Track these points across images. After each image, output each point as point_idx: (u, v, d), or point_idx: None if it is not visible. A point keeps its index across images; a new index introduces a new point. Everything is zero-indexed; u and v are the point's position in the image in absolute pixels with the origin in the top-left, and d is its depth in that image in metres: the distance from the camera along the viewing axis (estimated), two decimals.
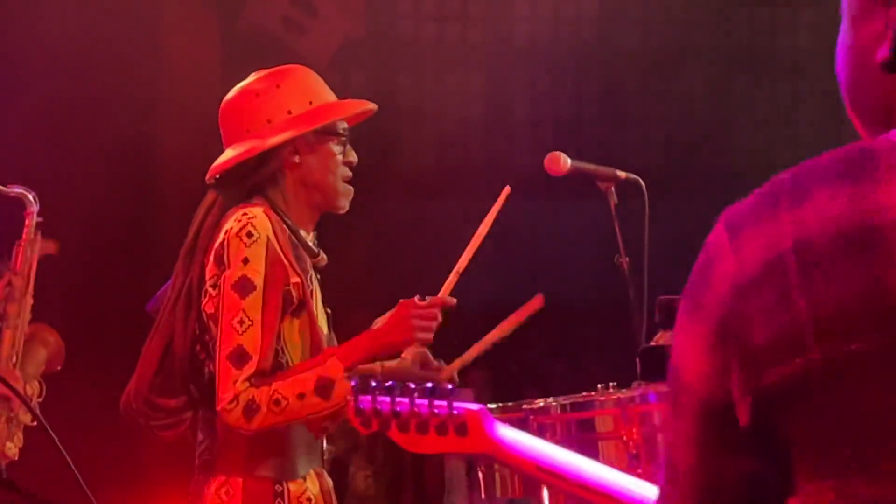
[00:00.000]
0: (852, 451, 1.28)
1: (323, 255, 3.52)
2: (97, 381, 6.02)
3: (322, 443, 3.50)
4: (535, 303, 3.67)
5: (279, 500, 3.31)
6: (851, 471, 1.28)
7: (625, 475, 2.18)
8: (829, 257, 1.28)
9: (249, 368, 3.20)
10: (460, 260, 3.54)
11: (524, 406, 3.32)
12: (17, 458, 5.43)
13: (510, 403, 3.45)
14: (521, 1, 8.39)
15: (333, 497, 3.49)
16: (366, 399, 2.27)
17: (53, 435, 2.28)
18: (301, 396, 3.20)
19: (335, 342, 3.53)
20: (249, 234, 3.26)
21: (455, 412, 2.24)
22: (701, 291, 1.36)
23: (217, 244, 3.31)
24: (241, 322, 3.23)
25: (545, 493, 3.08)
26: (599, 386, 3.36)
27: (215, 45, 8.03)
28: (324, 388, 3.22)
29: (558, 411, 3.25)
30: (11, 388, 2.55)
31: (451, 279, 3.49)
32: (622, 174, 4.05)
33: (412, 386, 2.27)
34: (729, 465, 1.35)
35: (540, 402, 3.32)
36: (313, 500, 3.38)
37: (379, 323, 3.46)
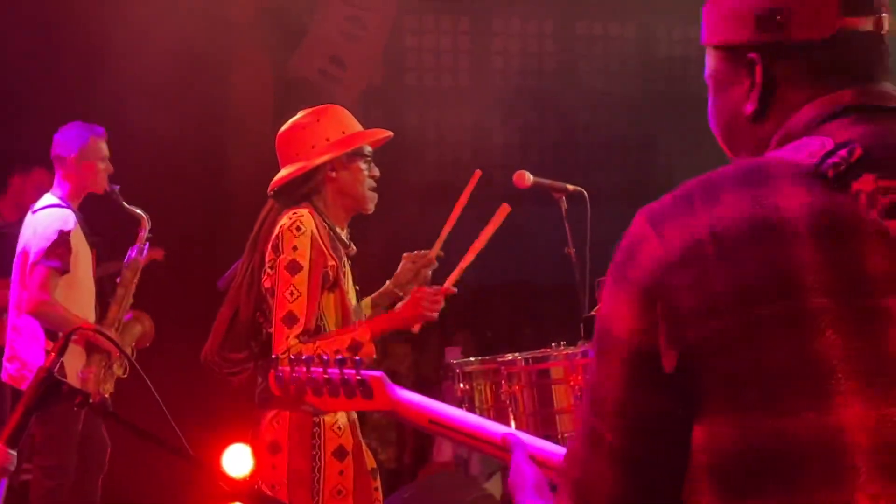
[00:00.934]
0: (758, 392, 1.25)
1: (353, 247, 3.55)
2: (182, 353, 6.05)
3: None
4: (503, 211, 3.74)
5: (316, 428, 3.35)
6: (753, 406, 1.25)
7: (487, 420, 2.10)
8: (739, 244, 1.27)
9: (298, 328, 3.26)
10: (464, 259, 3.64)
11: (497, 359, 3.32)
12: (109, 397, 5.44)
13: (487, 357, 3.45)
14: (496, 57, 8.40)
15: (357, 426, 3.49)
16: (284, 370, 2.14)
17: (145, 376, 2.26)
18: (337, 352, 3.22)
19: (361, 313, 3.57)
20: (298, 228, 3.32)
21: (362, 377, 2.11)
22: (626, 265, 1.33)
23: (274, 236, 3.35)
24: (292, 294, 3.28)
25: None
26: (553, 344, 3.36)
27: (269, 89, 8.01)
28: (354, 347, 3.29)
29: (523, 364, 3.24)
30: (113, 340, 2.52)
31: (455, 273, 3.57)
32: (571, 187, 4.05)
33: (325, 357, 2.14)
34: (652, 401, 1.31)
35: (509, 357, 3.32)
36: (342, 428, 3.40)
37: (399, 306, 3.51)
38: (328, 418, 3.36)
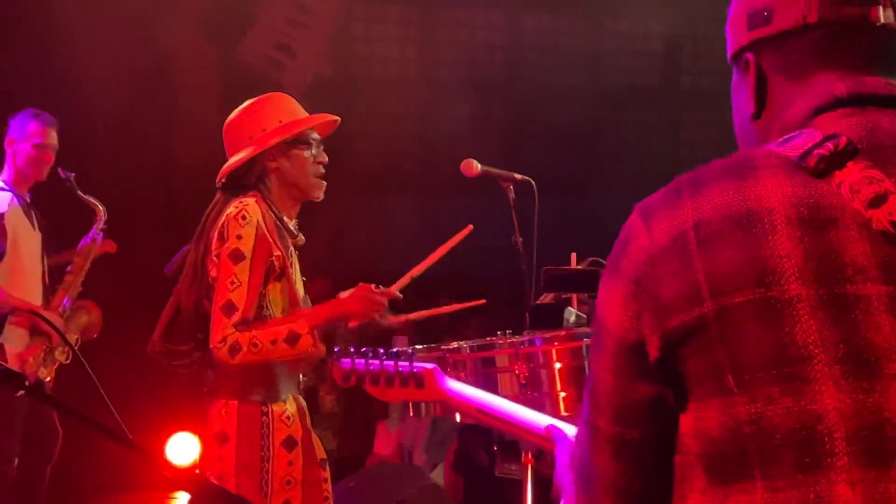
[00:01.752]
0: (734, 378, 1.27)
1: (301, 237, 3.52)
2: (129, 343, 5.98)
3: (299, 375, 3.49)
4: (465, 231, 3.72)
5: (265, 418, 3.32)
6: (733, 393, 1.28)
7: (529, 410, 2.20)
8: (720, 234, 1.30)
9: (236, 317, 3.22)
10: (416, 268, 3.57)
11: (442, 347, 3.31)
12: (48, 383, 5.38)
13: (433, 345, 3.44)
14: (444, 48, 8.39)
15: (307, 415, 3.47)
16: (346, 362, 2.30)
17: (84, 361, 2.23)
18: (273, 342, 3.22)
19: (308, 301, 3.52)
20: (244, 217, 3.27)
21: (415, 370, 2.28)
22: (619, 260, 1.37)
23: (220, 224, 3.31)
24: (232, 283, 3.24)
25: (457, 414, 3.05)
26: (499, 333, 3.35)
27: (216, 78, 7.95)
28: (292, 339, 3.25)
29: (468, 352, 3.23)
30: (53, 325, 2.48)
31: (404, 280, 3.53)
32: (518, 176, 4.03)
33: (381, 351, 2.31)
34: (639, 389, 1.35)
35: (454, 345, 3.30)
36: (291, 418, 3.37)
37: (343, 295, 3.45)
38: (276, 408, 3.34)
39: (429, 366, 2.31)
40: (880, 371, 1.24)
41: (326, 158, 3.52)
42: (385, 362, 2.31)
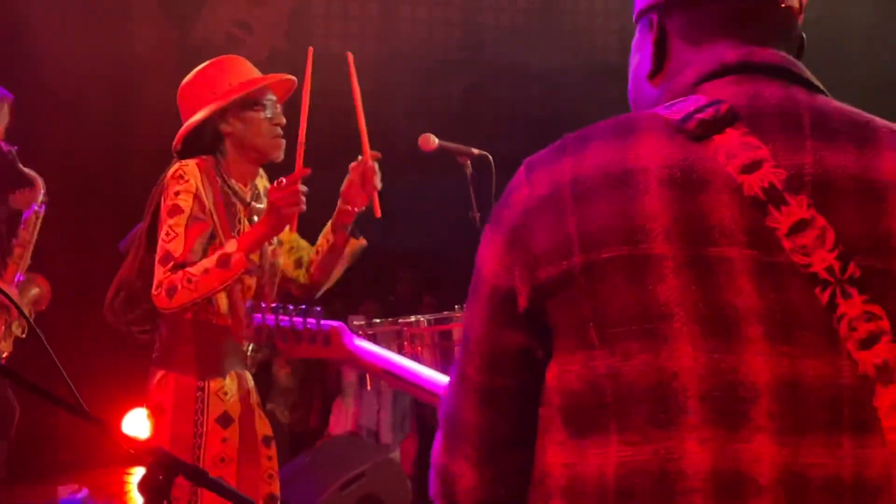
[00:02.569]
0: (596, 331, 1.28)
1: (256, 204, 3.40)
2: (81, 317, 5.94)
3: (246, 350, 3.41)
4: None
5: (200, 392, 3.25)
6: (594, 346, 1.28)
7: (433, 371, 2.21)
8: (595, 190, 1.30)
9: (171, 263, 3.12)
10: (300, 132, 3.35)
11: (400, 321, 3.30)
12: (5, 357, 5.33)
13: (390, 319, 3.42)
14: (403, 25, 8.36)
15: (253, 392, 3.40)
16: (258, 317, 2.26)
17: (41, 334, 2.20)
18: (206, 272, 3.09)
19: (274, 271, 3.45)
20: (181, 177, 3.19)
21: (322, 328, 2.26)
22: (501, 211, 1.38)
23: (161, 187, 3.25)
24: (168, 234, 3.15)
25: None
26: (456, 307, 3.35)
27: (173, 53, 7.88)
28: (223, 261, 3.11)
29: (425, 325, 3.22)
30: (10, 299, 2.44)
31: (299, 151, 3.33)
32: (476, 151, 4.02)
33: (291, 307, 2.27)
34: (507, 338, 1.35)
35: (412, 318, 3.30)
36: (229, 395, 3.30)
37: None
38: (214, 384, 3.27)
39: (335, 324, 2.29)
40: (738, 333, 1.25)
41: (284, 120, 3.40)
42: (294, 318, 2.28)
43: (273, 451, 3.41)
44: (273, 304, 2.27)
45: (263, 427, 3.40)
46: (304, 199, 3.20)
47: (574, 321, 1.30)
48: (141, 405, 6.78)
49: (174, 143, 3.36)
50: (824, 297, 1.27)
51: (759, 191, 1.28)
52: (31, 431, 6.05)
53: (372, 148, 3.57)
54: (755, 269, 1.27)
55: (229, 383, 3.31)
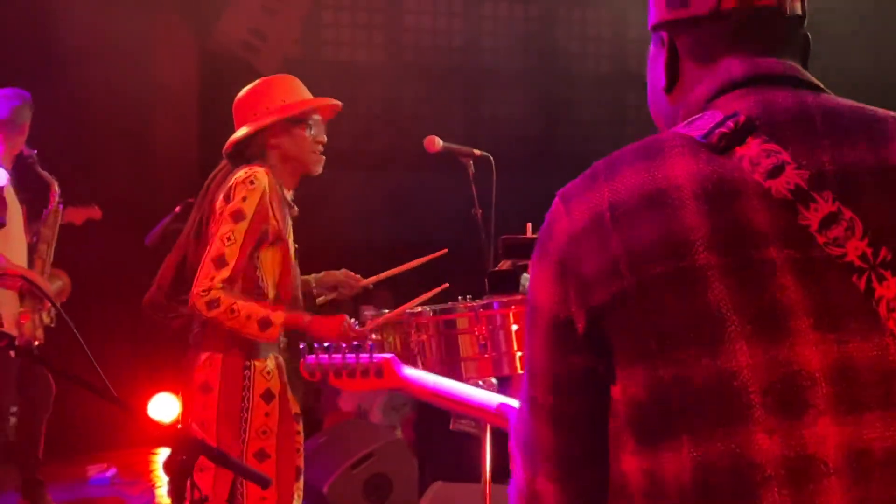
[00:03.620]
0: (656, 344, 1.29)
1: (296, 208, 3.54)
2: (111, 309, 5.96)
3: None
4: (440, 253, 3.75)
5: (247, 371, 3.36)
6: (655, 358, 1.29)
7: (484, 391, 2.24)
8: (633, 212, 1.32)
9: (225, 272, 3.25)
10: (390, 271, 3.69)
11: (407, 311, 3.31)
12: (38, 343, 5.37)
13: (398, 309, 3.43)
14: (407, 34, 8.37)
15: (284, 372, 3.48)
16: (311, 357, 2.37)
17: (71, 322, 2.21)
18: (248, 318, 3.25)
19: (297, 269, 3.55)
20: (251, 182, 3.32)
21: (374, 360, 2.34)
22: (546, 243, 1.38)
23: (228, 186, 3.34)
24: (228, 239, 3.27)
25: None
26: (459, 297, 3.35)
27: (192, 57, 7.88)
28: (264, 324, 3.28)
29: (431, 315, 3.23)
30: (41, 290, 2.45)
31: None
32: (477, 152, 4.06)
33: (343, 346, 2.37)
34: (571, 362, 1.36)
35: (419, 309, 3.31)
36: (270, 373, 3.41)
37: (322, 278, 3.65)
38: (258, 363, 3.38)
39: (387, 356, 2.36)
40: (787, 328, 1.27)
41: (325, 138, 3.57)
42: (347, 356, 2.36)
43: (301, 427, 3.52)
44: (326, 344, 2.36)
45: (294, 405, 3.51)
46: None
47: (633, 337, 1.31)
48: (164, 390, 6.82)
49: (226, 146, 3.49)
50: (861, 284, 1.29)
51: (787, 192, 1.30)
52: (62, 414, 6.07)
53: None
54: (795, 266, 1.29)
55: (270, 363, 3.42)
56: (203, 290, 3.23)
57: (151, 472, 7.13)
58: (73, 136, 6.48)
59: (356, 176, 6.74)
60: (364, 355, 2.35)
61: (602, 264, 1.32)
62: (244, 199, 3.29)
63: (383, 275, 3.72)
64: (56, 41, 7.10)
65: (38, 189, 5.78)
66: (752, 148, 1.32)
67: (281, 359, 3.48)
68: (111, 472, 6.77)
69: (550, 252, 1.37)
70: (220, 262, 3.25)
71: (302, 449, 3.52)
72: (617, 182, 1.34)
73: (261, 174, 3.34)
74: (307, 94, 3.59)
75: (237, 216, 3.28)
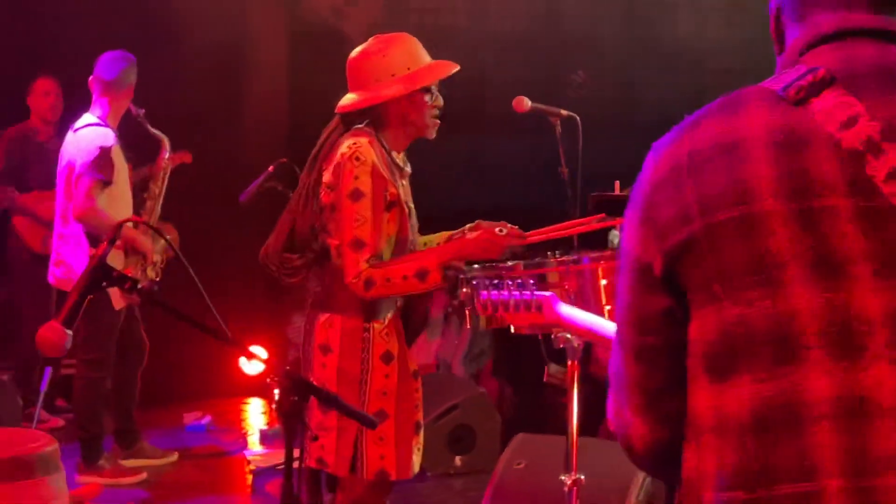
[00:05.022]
0: (721, 286, 1.34)
1: (408, 168, 3.48)
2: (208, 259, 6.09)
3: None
4: (597, 217, 3.63)
5: (366, 333, 3.35)
6: (721, 300, 1.35)
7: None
8: (708, 160, 1.36)
9: (367, 252, 3.24)
10: (548, 230, 3.51)
11: (499, 266, 3.32)
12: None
13: (488, 264, 3.44)
14: (492, 1, 8.35)
15: (402, 332, 3.44)
16: (484, 293, 2.57)
17: (189, 266, 2.27)
18: (405, 278, 3.23)
19: (416, 230, 3.52)
20: (357, 159, 3.26)
21: (535, 297, 2.51)
22: (636, 193, 1.46)
23: (335, 162, 3.30)
24: (356, 220, 3.25)
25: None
26: (549, 253, 3.37)
27: (283, 22, 7.95)
28: (422, 274, 3.25)
29: (523, 269, 3.25)
30: (163, 235, 2.52)
31: (533, 236, 3.45)
32: (564, 112, 4.05)
33: (509, 282, 2.56)
34: (651, 302, 1.43)
35: (510, 263, 3.33)
36: (389, 334, 3.38)
37: (466, 233, 3.45)
38: (377, 325, 3.36)
39: (546, 294, 2.53)
40: (846, 273, 1.30)
41: (442, 102, 3.46)
42: (513, 292, 2.54)
43: (419, 384, 3.47)
44: (495, 281, 2.52)
45: (413, 363, 3.46)
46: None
47: (702, 279, 1.36)
48: (257, 344, 6.93)
49: (346, 106, 3.39)
50: None
51: (858, 144, 1.32)
52: (160, 364, 6.22)
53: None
54: (857, 215, 1.31)
55: (388, 325, 3.38)
56: (354, 277, 3.22)
57: (243, 420, 7.29)
58: (172, 98, 6.58)
59: (458, 139, 6.80)
60: (526, 292, 2.51)
61: (676, 211, 1.37)
62: (356, 177, 3.24)
63: (535, 237, 3.52)
64: (159, 9, 7.23)
65: (146, 147, 5.90)
66: (828, 100, 1.34)
67: (398, 319, 3.43)
68: (206, 420, 6.92)
69: (637, 200, 1.45)
70: (357, 244, 3.24)
71: (420, 405, 3.48)
72: (698, 133, 1.39)
73: (364, 149, 3.27)
74: (427, 58, 3.46)
75: (356, 196, 3.24)
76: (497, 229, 3.37)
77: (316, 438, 3.15)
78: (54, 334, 2.23)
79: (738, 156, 1.34)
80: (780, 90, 1.37)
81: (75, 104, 5.84)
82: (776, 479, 1.30)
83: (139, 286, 2.25)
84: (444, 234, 3.60)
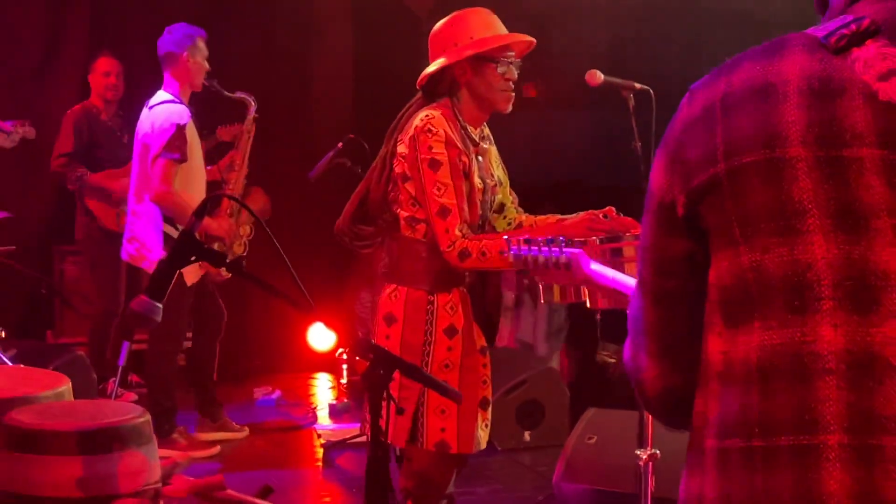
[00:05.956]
0: (739, 230, 1.33)
1: (482, 145, 3.46)
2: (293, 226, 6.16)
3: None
4: None
5: (430, 305, 3.34)
6: (739, 243, 1.33)
7: None
8: (740, 103, 1.35)
9: (455, 219, 3.24)
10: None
11: (576, 241, 3.31)
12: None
13: (564, 238, 3.43)
14: None
15: (470, 307, 3.41)
16: (514, 248, 2.68)
17: (275, 239, 2.30)
18: (501, 253, 3.18)
19: (487, 205, 3.48)
20: (430, 130, 3.26)
21: (564, 254, 2.54)
22: (668, 133, 1.44)
23: (409, 136, 3.31)
24: (439, 188, 3.25)
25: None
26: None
27: (349, 4, 7.98)
28: None
29: (598, 244, 3.24)
30: (245, 206, 2.54)
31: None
32: (638, 85, 4.00)
33: (540, 239, 2.61)
34: (672, 244, 1.42)
35: (584, 239, 3.32)
36: (454, 308, 3.36)
37: (568, 220, 3.43)
38: (441, 298, 3.35)
39: (576, 251, 2.52)
40: (867, 226, 1.27)
41: (515, 76, 3.43)
42: (543, 248, 2.57)
43: (487, 360, 3.45)
44: (525, 237, 2.54)
45: (480, 338, 3.44)
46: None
47: (722, 222, 1.35)
48: (319, 321, 6.98)
49: (419, 80, 3.43)
50: None
51: (895, 95, 1.29)
52: (229, 340, 6.31)
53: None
54: (885, 168, 1.28)
55: (454, 297, 3.37)
56: (448, 247, 3.22)
57: (312, 395, 7.36)
58: (239, 75, 6.64)
59: (535, 110, 6.77)
60: (556, 249, 2.55)
61: (704, 151, 1.35)
62: (430, 147, 3.25)
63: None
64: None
65: (220, 118, 5.96)
66: (870, 50, 1.31)
67: (465, 292, 3.41)
68: (276, 395, 7.00)
69: (667, 140, 1.42)
70: (443, 212, 3.23)
71: (489, 380, 3.47)
72: (734, 75, 1.37)
73: (437, 120, 3.28)
74: (501, 30, 3.44)
75: (434, 165, 3.25)
76: (602, 214, 3.35)
77: (402, 412, 3.16)
78: (143, 307, 2.27)
79: (771, 100, 1.32)
80: (823, 37, 1.34)
81: (144, 84, 5.91)
82: (775, 430, 1.28)
83: (227, 261, 2.28)
84: (554, 217, 3.58)
